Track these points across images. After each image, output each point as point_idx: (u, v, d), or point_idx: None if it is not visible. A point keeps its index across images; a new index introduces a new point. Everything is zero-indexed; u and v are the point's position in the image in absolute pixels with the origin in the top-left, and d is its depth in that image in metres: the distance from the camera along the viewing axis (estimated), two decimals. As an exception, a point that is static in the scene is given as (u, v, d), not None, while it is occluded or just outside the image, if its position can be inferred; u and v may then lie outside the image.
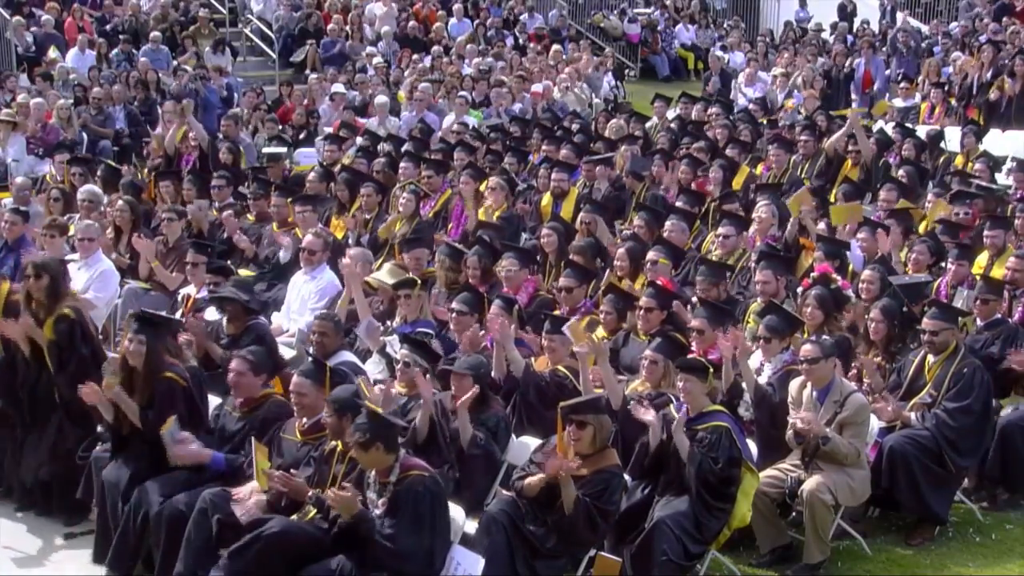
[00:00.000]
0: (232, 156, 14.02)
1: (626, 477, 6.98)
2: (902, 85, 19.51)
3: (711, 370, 7.25)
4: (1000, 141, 16.02)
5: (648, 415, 7.02)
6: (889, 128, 15.48)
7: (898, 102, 18.61)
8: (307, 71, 21.00)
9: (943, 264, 10.01)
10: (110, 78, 18.40)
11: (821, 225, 10.83)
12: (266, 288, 10.62)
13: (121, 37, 20.33)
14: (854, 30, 25.30)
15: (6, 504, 8.16)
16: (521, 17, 24.78)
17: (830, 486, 7.20)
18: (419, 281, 9.15)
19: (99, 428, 7.80)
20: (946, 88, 18.44)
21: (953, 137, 15.71)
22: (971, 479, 8.36)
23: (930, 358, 8.03)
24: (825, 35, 25.51)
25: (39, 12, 20.54)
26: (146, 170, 14.76)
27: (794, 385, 7.59)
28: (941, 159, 14.76)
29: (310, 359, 7.33)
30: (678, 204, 11.62)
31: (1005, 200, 12.29)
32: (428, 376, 7.50)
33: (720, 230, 10.42)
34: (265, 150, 15.09)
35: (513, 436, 7.56)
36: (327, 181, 12.85)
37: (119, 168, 13.49)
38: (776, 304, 8.35)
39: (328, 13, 22.51)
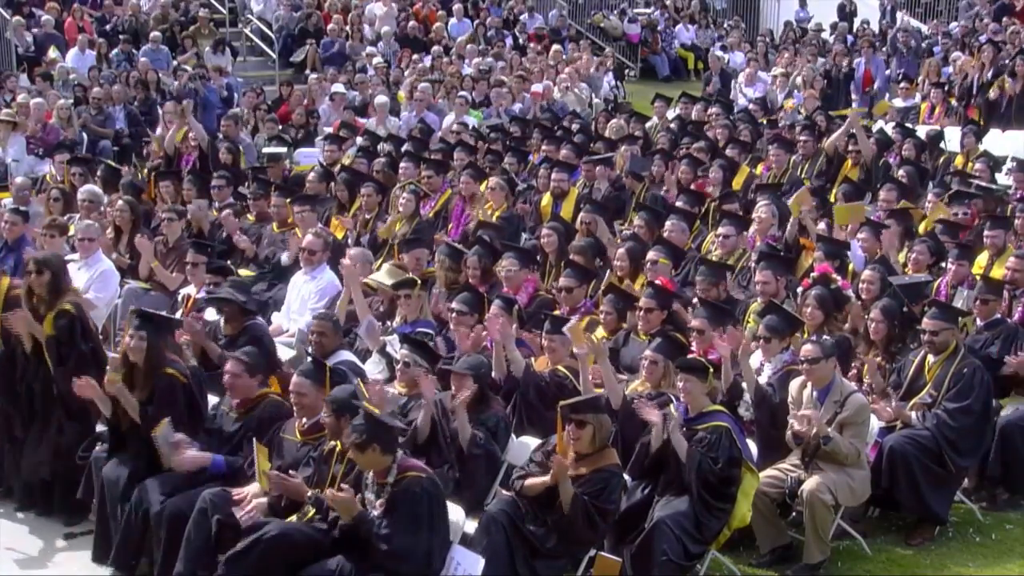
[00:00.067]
0: (232, 156, 14.02)
1: (626, 477, 6.98)
2: (902, 85, 19.52)
3: (711, 370, 7.25)
4: (1000, 141, 16.03)
5: (653, 415, 7.01)
6: (889, 128, 15.49)
7: (898, 102, 18.62)
8: (307, 71, 21.00)
9: (943, 264, 10.02)
10: (110, 78, 18.40)
11: (821, 225, 10.83)
12: (266, 288, 10.63)
13: (121, 37, 20.32)
14: (854, 30, 25.30)
15: (6, 504, 8.16)
16: (521, 17, 24.78)
17: (830, 486, 7.21)
18: (419, 281, 9.15)
19: (99, 426, 7.81)
20: (946, 88, 18.44)
21: (953, 137, 15.71)
22: (971, 479, 8.36)
23: (930, 358, 8.03)
24: (825, 35, 25.51)
25: (39, 12, 20.54)
26: (146, 170, 14.76)
27: (794, 385, 7.59)
28: (941, 159, 14.77)
29: (310, 359, 7.33)
30: (678, 204, 11.62)
31: (1004, 200, 12.29)
32: (433, 377, 7.50)
33: (720, 230, 10.42)
34: (265, 150, 15.09)
35: (513, 436, 7.56)
36: (327, 181, 12.85)
37: (119, 168, 13.49)
38: (776, 304, 8.35)
39: (328, 13, 22.51)
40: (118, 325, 9.78)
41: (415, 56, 21.21)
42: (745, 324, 8.82)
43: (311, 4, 22.53)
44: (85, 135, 16.64)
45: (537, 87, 19.64)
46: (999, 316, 8.89)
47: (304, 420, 7.00)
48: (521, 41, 23.73)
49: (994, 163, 13.84)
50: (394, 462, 6.29)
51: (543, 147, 14.33)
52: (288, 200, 11.37)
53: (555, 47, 22.62)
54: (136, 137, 17.24)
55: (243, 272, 10.71)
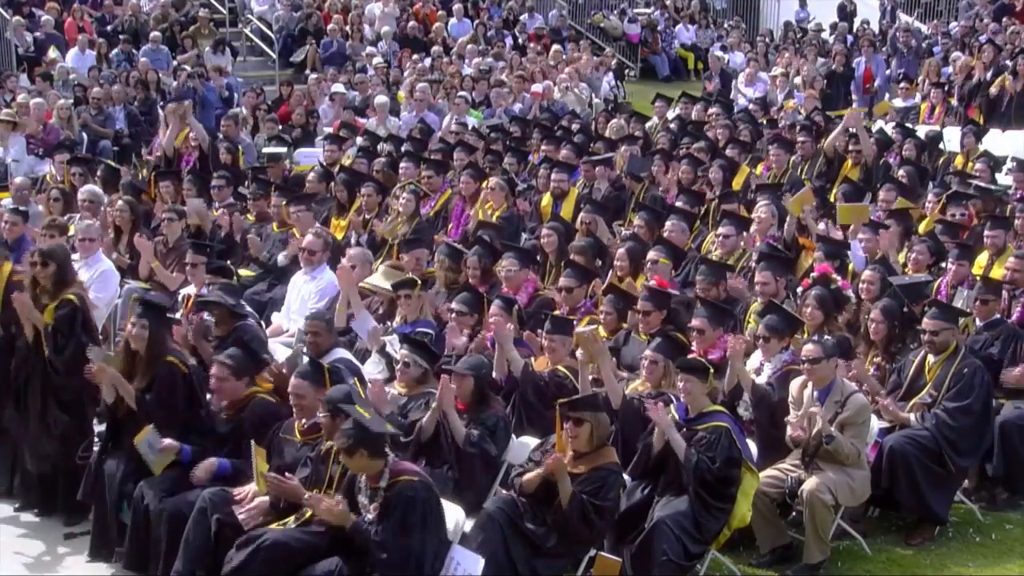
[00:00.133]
0: (232, 156, 14.02)
1: (625, 476, 6.98)
2: (902, 85, 19.52)
3: (711, 370, 7.25)
4: (1000, 141, 16.03)
5: (657, 413, 7.00)
6: (889, 128, 15.49)
7: (898, 102, 18.63)
8: (307, 71, 21.00)
9: (943, 264, 10.02)
10: (110, 78, 18.40)
11: (821, 225, 10.83)
12: (266, 288, 10.63)
13: (121, 37, 20.33)
14: (854, 30, 25.30)
15: (6, 504, 8.17)
16: (521, 17, 24.79)
17: (830, 486, 7.20)
18: (419, 281, 9.14)
19: (96, 427, 7.82)
20: (946, 88, 18.44)
21: (953, 137, 15.72)
22: (971, 479, 8.36)
23: (930, 358, 8.03)
24: (825, 35, 25.51)
25: (39, 12, 20.54)
26: (144, 170, 14.76)
27: (795, 385, 7.58)
28: (940, 160, 14.77)
29: (307, 360, 7.32)
30: (678, 204, 11.62)
31: (1004, 200, 12.29)
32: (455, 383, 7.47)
33: (720, 230, 10.42)
34: (265, 150, 15.08)
35: (513, 436, 7.55)
36: (327, 181, 12.85)
37: (119, 168, 13.49)
38: (776, 304, 8.35)
39: (328, 13, 22.51)
40: (118, 325, 9.78)
41: (415, 56, 21.21)
42: (745, 324, 8.82)
43: (311, 4, 22.54)
44: (85, 135, 16.63)
45: (537, 87, 19.64)
46: (998, 316, 8.89)
47: (304, 420, 7.00)
48: (521, 41, 23.73)
49: (994, 163, 13.84)
50: (386, 466, 6.26)
51: (543, 147, 14.32)
52: (284, 202, 11.37)
53: (555, 47, 22.62)
54: (136, 137, 17.24)
55: (243, 272, 10.72)
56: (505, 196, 11.96)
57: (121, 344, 7.47)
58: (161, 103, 17.44)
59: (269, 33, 22.39)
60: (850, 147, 13.50)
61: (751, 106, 17.78)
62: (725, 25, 27.25)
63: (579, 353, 7.62)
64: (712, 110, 16.64)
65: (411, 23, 23.02)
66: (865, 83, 21.36)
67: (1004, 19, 23.01)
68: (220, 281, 9.09)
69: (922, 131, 15.75)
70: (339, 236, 11.42)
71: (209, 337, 8.39)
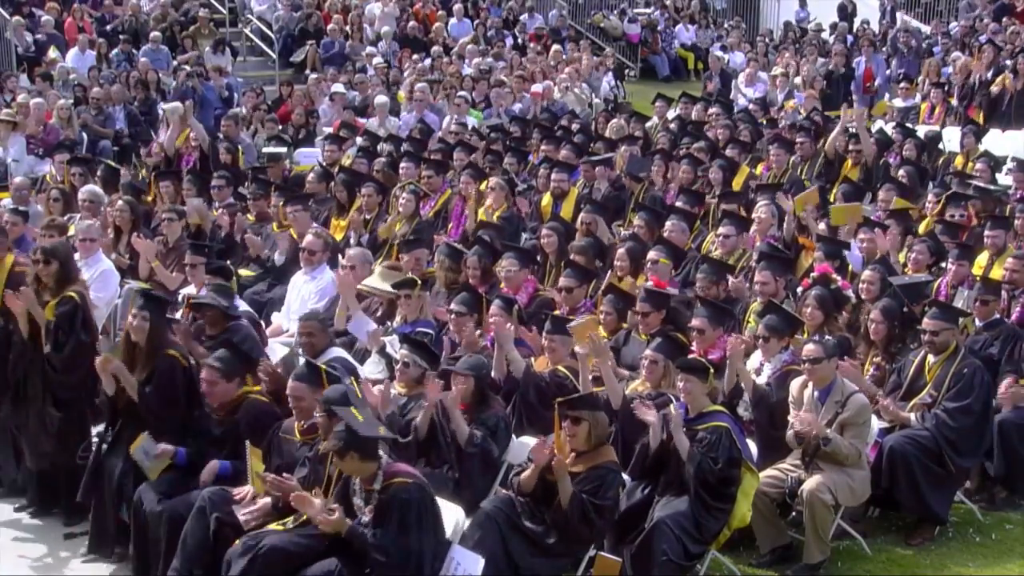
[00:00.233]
0: (232, 156, 14.02)
1: (625, 476, 6.98)
2: (902, 85, 19.52)
3: (711, 370, 7.25)
4: (1000, 141, 16.03)
5: (650, 415, 7.01)
6: (889, 128, 15.49)
7: (898, 102, 18.63)
8: (307, 71, 21.00)
9: (943, 264, 10.01)
10: (110, 78, 18.40)
11: (821, 225, 10.83)
12: (266, 288, 10.63)
13: (121, 37, 20.32)
14: (854, 30, 25.30)
15: (6, 504, 8.17)
16: (521, 17, 24.78)
17: (830, 486, 7.20)
18: (419, 281, 9.14)
19: (93, 428, 7.82)
20: (946, 88, 18.45)
21: (953, 137, 15.72)
22: (974, 480, 8.36)
23: (930, 358, 8.03)
24: (825, 35, 25.51)
25: (39, 12, 20.54)
26: (143, 171, 14.75)
27: (795, 385, 7.58)
28: (940, 160, 14.77)
29: (303, 361, 7.31)
30: (678, 204, 11.62)
31: (1003, 200, 12.29)
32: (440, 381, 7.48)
33: (720, 230, 10.42)
34: (265, 150, 15.08)
35: (513, 436, 7.56)
36: (326, 181, 12.85)
37: (119, 168, 13.49)
38: (776, 304, 8.35)
39: (328, 13, 22.50)
40: (118, 325, 9.77)
41: (415, 56, 21.21)
42: (745, 324, 8.82)
43: (311, 4, 22.53)
44: (85, 135, 16.63)
45: (537, 87, 19.64)
46: (998, 316, 8.89)
47: (303, 421, 7.00)
48: (521, 41, 23.73)
49: (995, 163, 13.84)
50: (379, 468, 6.25)
51: (543, 147, 14.32)
52: (282, 202, 11.37)
53: (555, 47, 22.62)
54: (136, 137, 17.23)
55: (243, 272, 10.72)
56: (505, 196, 11.97)
57: (122, 336, 7.47)
58: (161, 103, 17.43)
59: (269, 33, 22.39)
60: (850, 147, 13.50)
61: (751, 106, 17.78)
62: (725, 25, 27.25)
63: (578, 349, 7.62)
64: (712, 110, 16.64)
65: (411, 23, 23.02)
66: (865, 83, 21.37)
67: (1004, 19, 23.02)
68: (215, 282, 9.09)
69: (922, 131, 15.75)
70: (339, 236, 11.42)
71: (203, 339, 8.40)
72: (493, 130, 16.61)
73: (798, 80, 19.94)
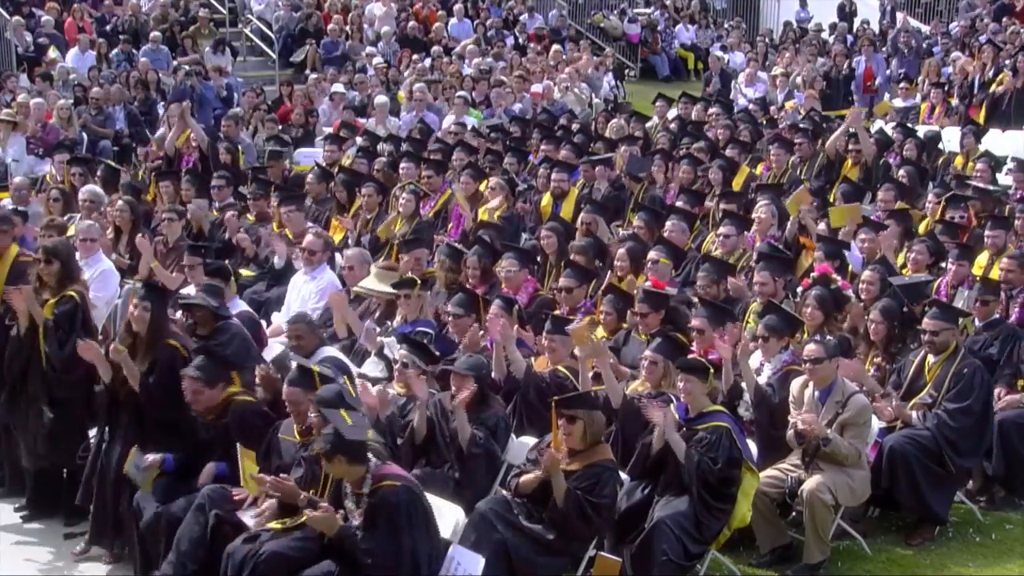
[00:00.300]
0: (232, 156, 14.02)
1: (623, 475, 6.98)
2: (902, 85, 19.53)
3: (711, 370, 7.24)
4: (1000, 141, 16.03)
5: (657, 415, 7.00)
6: (889, 128, 15.49)
7: (898, 102, 18.64)
8: (307, 71, 21.00)
9: (943, 264, 10.01)
10: (110, 78, 18.40)
11: (821, 225, 10.82)
12: (266, 288, 10.62)
13: (121, 37, 20.32)
14: (854, 30, 25.31)
15: (6, 504, 8.16)
16: (521, 17, 24.78)
17: (830, 486, 7.20)
18: (418, 281, 9.13)
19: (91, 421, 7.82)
20: (946, 88, 18.45)
21: (953, 137, 15.71)
22: (976, 480, 8.36)
23: (930, 358, 8.03)
24: (825, 35, 25.52)
25: (39, 12, 20.54)
26: (142, 171, 14.74)
27: (796, 385, 7.58)
28: (939, 160, 14.77)
29: (295, 365, 7.29)
30: (678, 204, 11.62)
31: (1003, 201, 12.29)
32: (425, 377, 7.48)
33: (720, 230, 10.42)
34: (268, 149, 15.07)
35: (513, 436, 7.56)
36: (326, 181, 12.85)
37: (119, 168, 13.49)
38: (775, 304, 8.35)
39: (328, 13, 22.51)
40: (118, 325, 9.76)
41: (415, 56, 21.21)
42: (745, 324, 8.81)
43: (311, 4, 22.53)
44: (85, 135, 16.64)
45: (537, 87, 19.65)
46: (997, 316, 8.89)
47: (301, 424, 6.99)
48: (521, 41, 23.73)
49: (995, 163, 13.84)
50: (368, 472, 6.23)
51: (543, 147, 14.32)
52: (278, 202, 11.37)
53: (555, 47, 22.62)
54: (136, 137, 17.23)
55: (243, 272, 10.71)
56: (505, 196, 11.96)
57: (123, 327, 7.48)
58: (161, 103, 17.43)
59: (269, 33, 22.39)
60: (850, 147, 13.50)
61: (751, 106, 17.78)
62: (725, 25, 27.26)
63: (578, 351, 7.62)
64: (712, 110, 16.64)
65: (411, 23, 23.01)
66: (865, 83, 21.37)
67: (1004, 19, 23.02)
68: (210, 282, 9.08)
69: (922, 131, 15.74)
70: (338, 237, 11.41)
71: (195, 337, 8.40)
72: (493, 130, 16.60)
73: (798, 80, 19.94)
